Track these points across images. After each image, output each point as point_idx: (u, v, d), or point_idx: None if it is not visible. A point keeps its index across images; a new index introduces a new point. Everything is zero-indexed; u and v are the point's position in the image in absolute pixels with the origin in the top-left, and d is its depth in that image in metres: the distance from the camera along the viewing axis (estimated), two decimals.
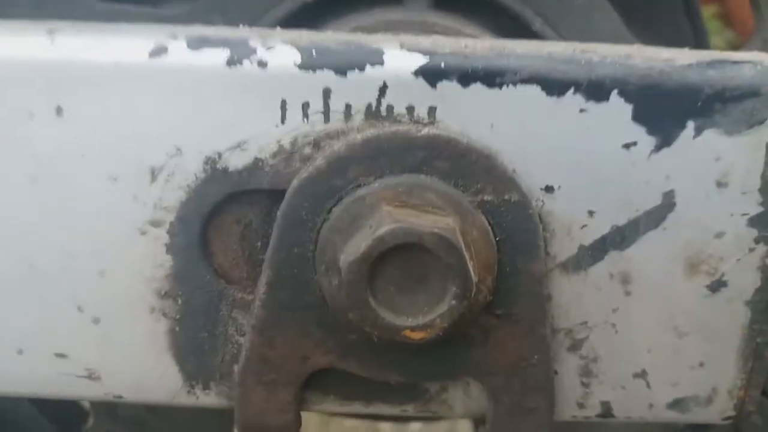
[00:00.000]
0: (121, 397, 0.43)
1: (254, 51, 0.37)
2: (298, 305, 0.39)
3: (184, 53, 0.37)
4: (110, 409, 0.73)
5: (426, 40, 0.37)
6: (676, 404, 0.42)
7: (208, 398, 0.43)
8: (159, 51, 0.37)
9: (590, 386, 0.41)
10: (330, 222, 0.37)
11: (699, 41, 0.58)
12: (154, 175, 0.38)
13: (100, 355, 0.42)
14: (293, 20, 0.53)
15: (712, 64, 0.36)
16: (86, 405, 0.78)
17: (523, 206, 0.37)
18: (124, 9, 0.51)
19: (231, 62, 0.37)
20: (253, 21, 0.52)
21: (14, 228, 0.40)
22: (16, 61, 0.38)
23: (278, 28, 0.40)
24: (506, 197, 0.36)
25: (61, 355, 0.42)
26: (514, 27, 0.53)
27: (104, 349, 0.42)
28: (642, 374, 0.41)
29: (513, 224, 0.35)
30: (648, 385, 0.41)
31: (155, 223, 0.39)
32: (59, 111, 0.38)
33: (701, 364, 0.41)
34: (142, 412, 0.73)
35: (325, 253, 0.37)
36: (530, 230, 0.37)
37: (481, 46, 0.36)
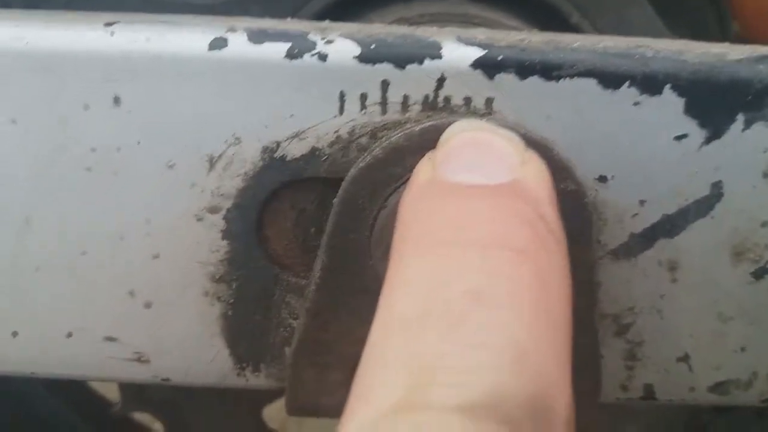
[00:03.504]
0: (168, 379, 0.44)
1: (314, 44, 0.37)
2: (353, 289, 0.39)
3: (244, 46, 0.37)
4: (140, 393, 0.74)
5: (482, 33, 0.37)
6: (717, 387, 0.43)
7: (258, 380, 0.44)
8: (218, 44, 0.38)
9: (634, 369, 0.42)
10: (387, 209, 0.38)
11: (724, 32, 0.58)
12: (212, 163, 0.39)
13: (150, 338, 0.42)
14: (332, 11, 0.52)
15: (761, 59, 0.37)
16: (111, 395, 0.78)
17: (578, 195, 0.37)
18: None
19: (291, 56, 0.37)
20: (292, 11, 0.52)
21: (66, 216, 0.40)
22: (74, 54, 0.38)
23: (328, 21, 0.40)
24: (562, 186, 0.37)
25: (111, 339, 0.42)
26: (551, 19, 0.53)
27: (155, 332, 0.42)
28: (685, 358, 0.42)
29: (568, 212, 0.36)
30: (690, 369, 0.42)
31: (212, 210, 0.40)
32: (117, 101, 0.38)
33: (743, 349, 0.42)
34: (174, 395, 0.74)
35: (381, 239, 0.38)
36: (584, 219, 0.38)
37: (537, 39, 0.37)
